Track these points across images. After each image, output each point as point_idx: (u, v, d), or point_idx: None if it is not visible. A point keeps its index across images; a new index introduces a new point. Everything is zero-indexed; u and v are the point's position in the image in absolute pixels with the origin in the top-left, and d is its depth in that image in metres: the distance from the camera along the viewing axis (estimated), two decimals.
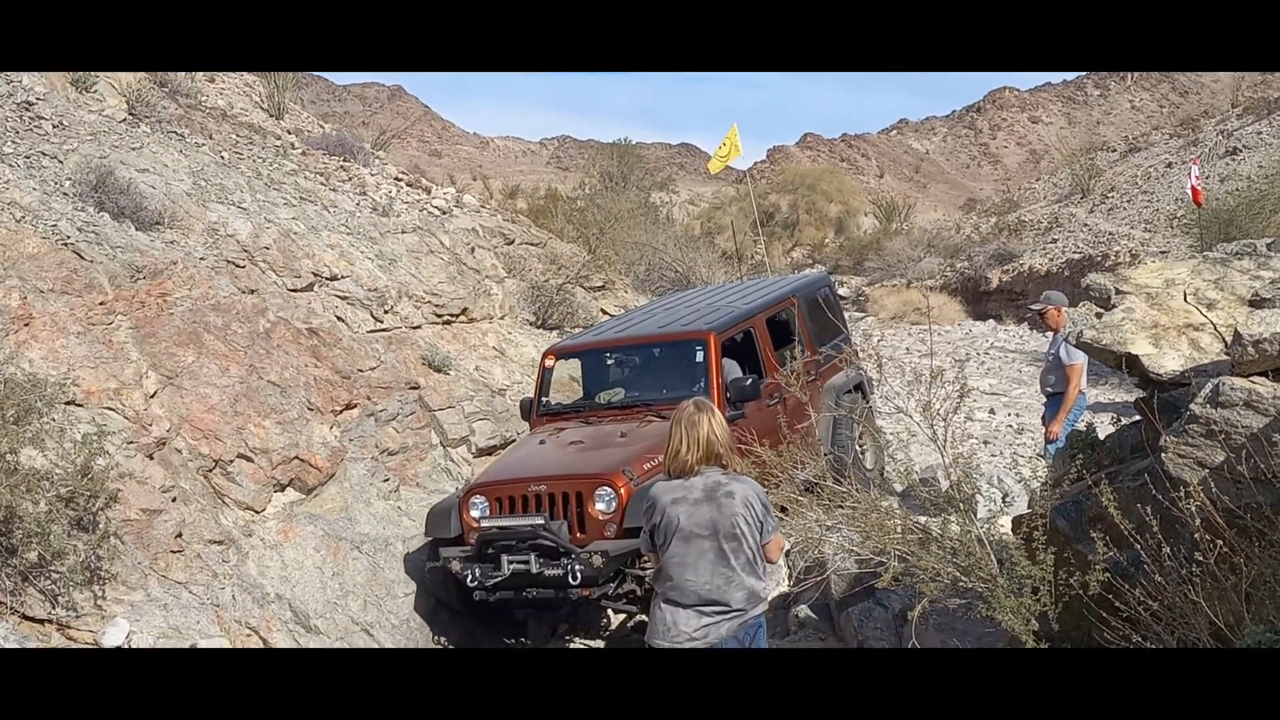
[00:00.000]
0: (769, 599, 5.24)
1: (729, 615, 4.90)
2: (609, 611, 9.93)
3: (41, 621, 7.80)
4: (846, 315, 16.93)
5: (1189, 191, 23.49)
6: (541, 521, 8.69)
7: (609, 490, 8.68)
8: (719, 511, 4.94)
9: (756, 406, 9.67)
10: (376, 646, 9.31)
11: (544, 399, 10.57)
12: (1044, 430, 10.34)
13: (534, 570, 8.62)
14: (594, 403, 10.43)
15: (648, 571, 8.63)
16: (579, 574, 8.43)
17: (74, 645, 7.84)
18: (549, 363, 10.72)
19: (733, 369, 10.07)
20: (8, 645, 7.44)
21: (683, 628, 4.89)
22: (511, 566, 8.69)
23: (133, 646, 7.89)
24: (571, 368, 11.35)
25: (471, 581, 8.78)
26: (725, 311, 10.80)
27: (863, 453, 10.76)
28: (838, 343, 11.42)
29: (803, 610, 8.44)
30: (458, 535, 9.13)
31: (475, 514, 9.07)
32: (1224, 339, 5.18)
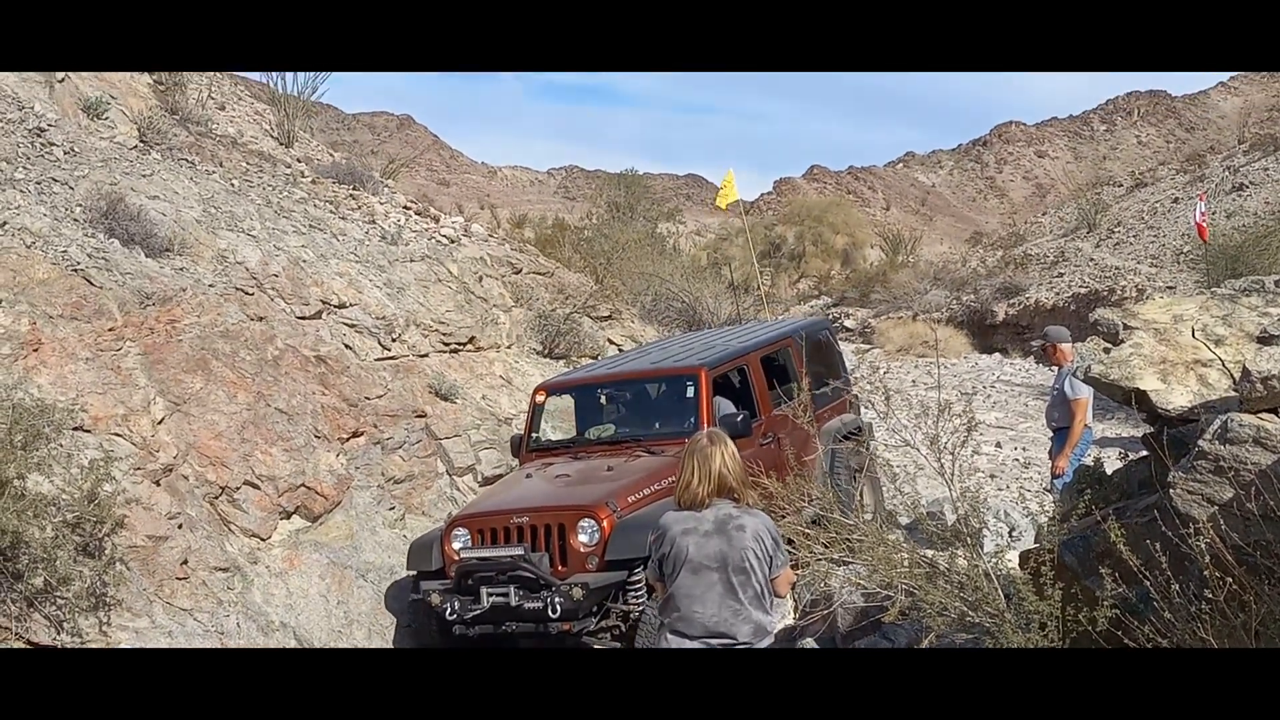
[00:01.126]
0: (774, 633, 5.20)
1: (735, 649, 4.88)
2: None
3: (46, 648, 7.79)
4: (853, 347, 16.95)
5: (1194, 227, 23.53)
6: (521, 552, 8.55)
7: (591, 522, 8.56)
8: (729, 544, 4.92)
9: (748, 444, 9.59)
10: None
11: (534, 435, 10.44)
12: (1050, 465, 10.33)
13: (513, 603, 8.46)
14: (584, 439, 10.33)
15: (632, 607, 8.58)
16: (559, 606, 8.29)
17: None
18: (539, 399, 10.63)
19: (725, 407, 9.95)
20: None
21: None
22: (491, 599, 8.53)
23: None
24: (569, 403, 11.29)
25: (450, 614, 8.61)
26: (720, 349, 10.72)
27: (861, 497, 10.62)
28: (836, 386, 11.33)
29: (809, 643, 8.41)
30: (439, 568, 8.97)
31: (457, 546, 8.92)
32: (1232, 375, 5.19)
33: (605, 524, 8.53)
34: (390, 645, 9.45)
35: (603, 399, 10.79)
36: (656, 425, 10.04)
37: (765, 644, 5.00)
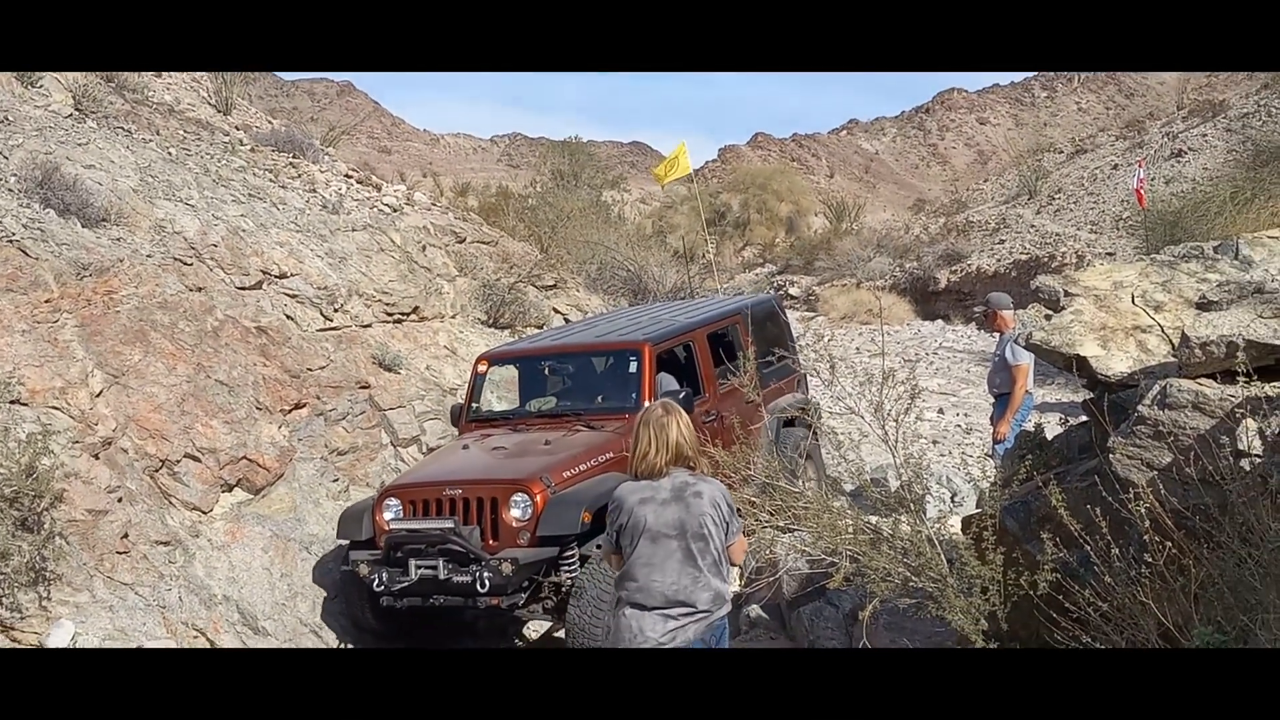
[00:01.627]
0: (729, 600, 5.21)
1: (694, 617, 4.88)
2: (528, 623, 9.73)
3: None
4: (797, 315, 16.99)
5: (1133, 193, 23.76)
6: (451, 525, 8.44)
7: (524, 497, 8.46)
8: (687, 511, 4.93)
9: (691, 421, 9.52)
10: (329, 647, 9.23)
11: (474, 405, 10.32)
12: (992, 431, 10.42)
13: (442, 576, 8.38)
14: (525, 411, 10.23)
15: (563, 579, 8.55)
16: (487, 582, 8.20)
17: (18, 646, 7.74)
18: (481, 368, 10.50)
19: (668, 383, 9.88)
20: None
21: (649, 633, 4.85)
22: (419, 571, 8.44)
23: (80, 647, 7.79)
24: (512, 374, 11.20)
25: (378, 586, 8.52)
26: (665, 324, 10.62)
27: (805, 473, 10.58)
28: (784, 364, 11.30)
29: (754, 610, 8.46)
30: (369, 538, 8.84)
31: (388, 516, 8.80)
32: (1171, 341, 5.24)
33: (538, 499, 8.43)
34: (334, 616, 9.39)
35: (546, 371, 10.69)
36: (598, 399, 9.94)
37: (723, 611, 5.01)
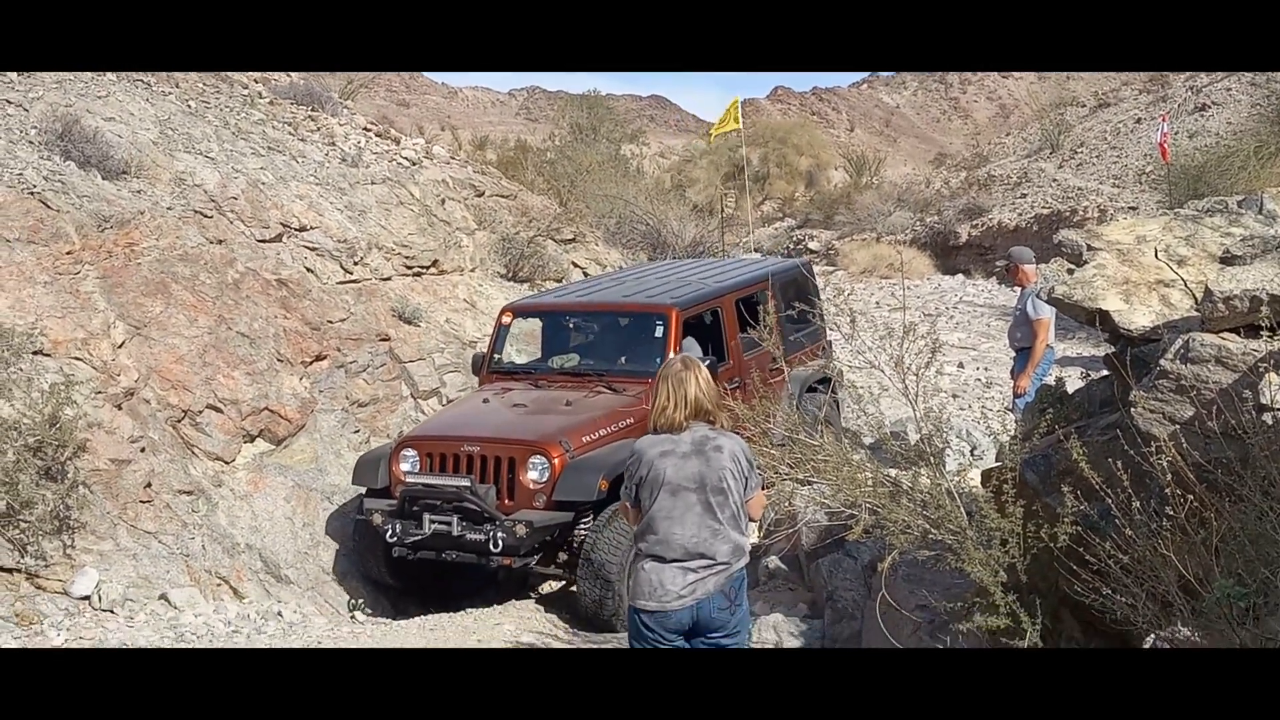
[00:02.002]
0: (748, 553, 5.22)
1: (714, 569, 4.88)
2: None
3: (10, 571, 7.78)
4: (817, 269, 16.92)
5: (1156, 148, 23.55)
6: (468, 484, 8.46)
7: (542, 459, 8.46)
8: (707, 465, 4.92)
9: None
10: (350, 600, 9.30)
11: (496, 356, 10.26)
12: (1012, 384, 10.40)
13: (455, 533, 8.42)
14: (547, 366, 10.14)
15: (578, 538, 8.55)
16: (500, 542, 8.22)
17: (43, 593, 7.83)
18: (506, 320, 10.41)
19: (693, 349, 9.83)
20: None
21: (669, 586, 4.85)
22: (433, 526, 8.47)
23: (104, 603, 7.87)
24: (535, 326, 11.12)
25: (391, 537, 8.56)
26: (694, 288, 10.48)
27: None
28: (811, 332, 11.15)
29: (773, 561, 8.49)
30: (384, 487, 8.89)
31: (405, 467, 8.82)
32: (1195, 295, 5.21)
33: (556, 462, 8.42)
34: (356, 565, 9.45)
35: (570, 326, 10.62)
36: (622, 361, 9.85)
37: (741, 564, 5.01)
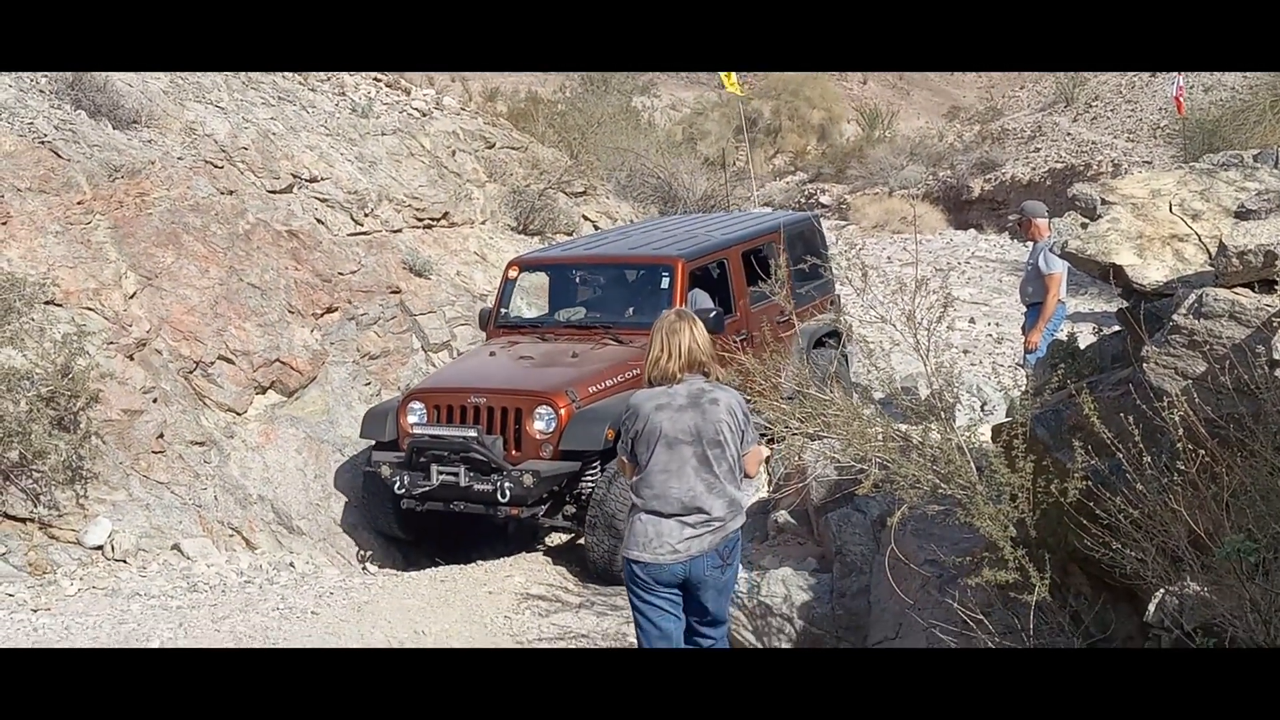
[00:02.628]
0: (746, 509, 5.22)
1: (710, 526, 4.90)
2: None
3: (23, 520, 7.84)
4: (829, 224, 16.86)
5: (1172, 101, 23.39)
6: (475, 434, 8.47)
7: (549, 410, 8.47)
8: (703, 418, 4.92)
9: (719, 341, 9.40)
10: (359, 551, 9.35)
11: (504, 310, 10.22)
12: (1023, 340, 10.38)
13: (463, 483, 8.45)
14: (553, 319, 10.12)
15: (586, 489, 8.56)
16: (508, 492, 8.25)
17: (57, 543, 7.88)
18: (512, 274, 10.37)
19: (701, 300, 9.79)
20: None
21: (666, 539, 4.87)
22: (441, 477, 8.50)
23: (117, 553, 7.92)
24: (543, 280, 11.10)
25: (399, 489, 8.59)
26: (701, 240, 10.43)
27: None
28: (820, 285, 11.11)
29: (782, 516, 8.50)
30: (393, 439, 8.90)
31: (412, 419, 8.84)
32: (1209, 250, 5.18)
33: (563, 412, 8.44)
34: (368, 517, 9.48)
35: (577, 279, 10.61)
36: (628, 313, 9.82)
37: (737, 523, 5.03)
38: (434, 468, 8.53)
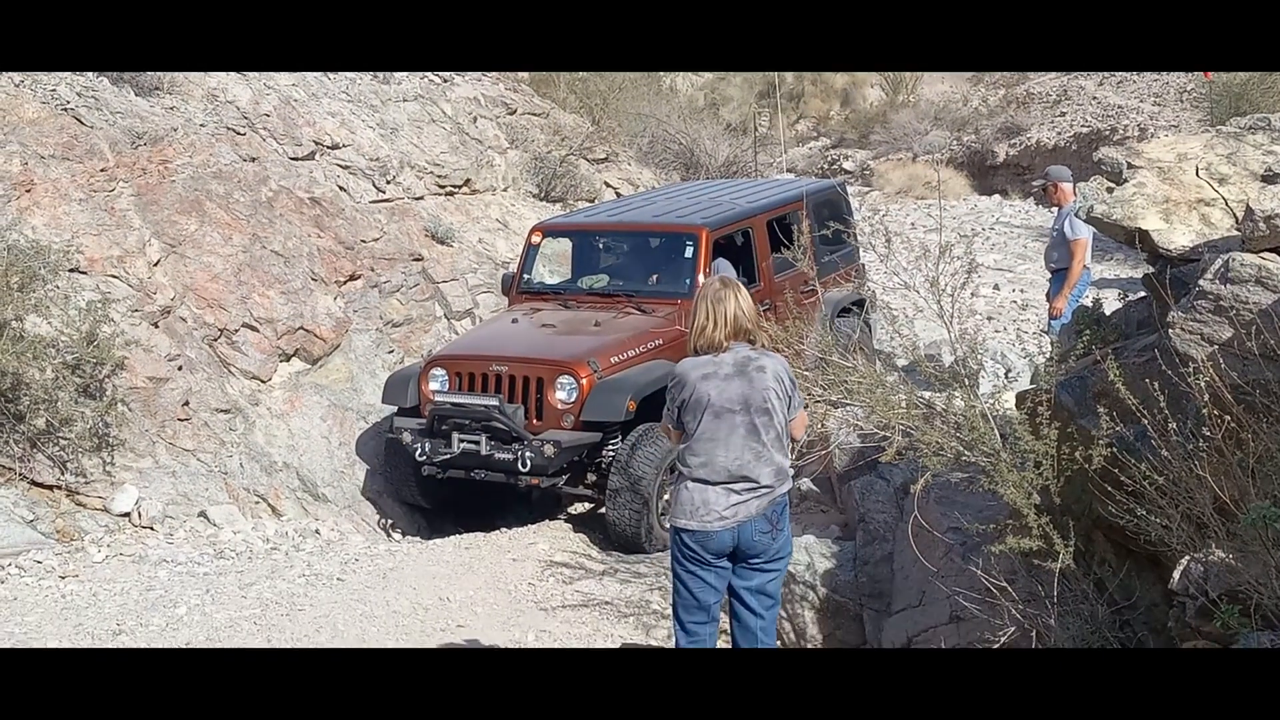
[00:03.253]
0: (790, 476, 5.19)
1: (757, 493, 4.85)
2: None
3: (50, 487, 7.90)
4: (852, 190, 16.76)
5: None
6: (496, 403, 8.46)
7: (570, 379, 8.45)
8: (750, 386, 4.87)
9: None
10: (380, 519, 9.37)
11: (526, 276, 10.18)
12: (1048, 306, 10.32)
13: (484, 452, 8.44)
14: (576, 286, 10.07)
15: (606, 458, 8.52)
16: (529, 461, 8.24)
17: (84, 510, 7.94)
18: (535, 239, 10.31)
19: (727, 268, 9.71)
20: (17, 511, 7.54)
21: (714, 506, 4.82)
22: (462, 445, 8.50)
23: (143, 519, 7.98)
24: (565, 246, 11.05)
25: (420, 455, 8.59)
26: (725, 208, 10.33)
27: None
28: (845, 253, 11.02)
29: (805, 483, 8.51)
30: (414, 406, 8.89)
31: (434, 386, 8.82)
32: (1235, 215, 5.14)
33: (584, 382, 8.43)
34: (392, 485, 9.51)
35: (600, 246, 10.56)
36: (651, 281, 9.79)
37: (785, 488, 4.97)
38: (455, 435, 8.53)
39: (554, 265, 11.25)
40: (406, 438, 8.67)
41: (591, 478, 8.70)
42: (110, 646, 6.21)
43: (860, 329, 9.78)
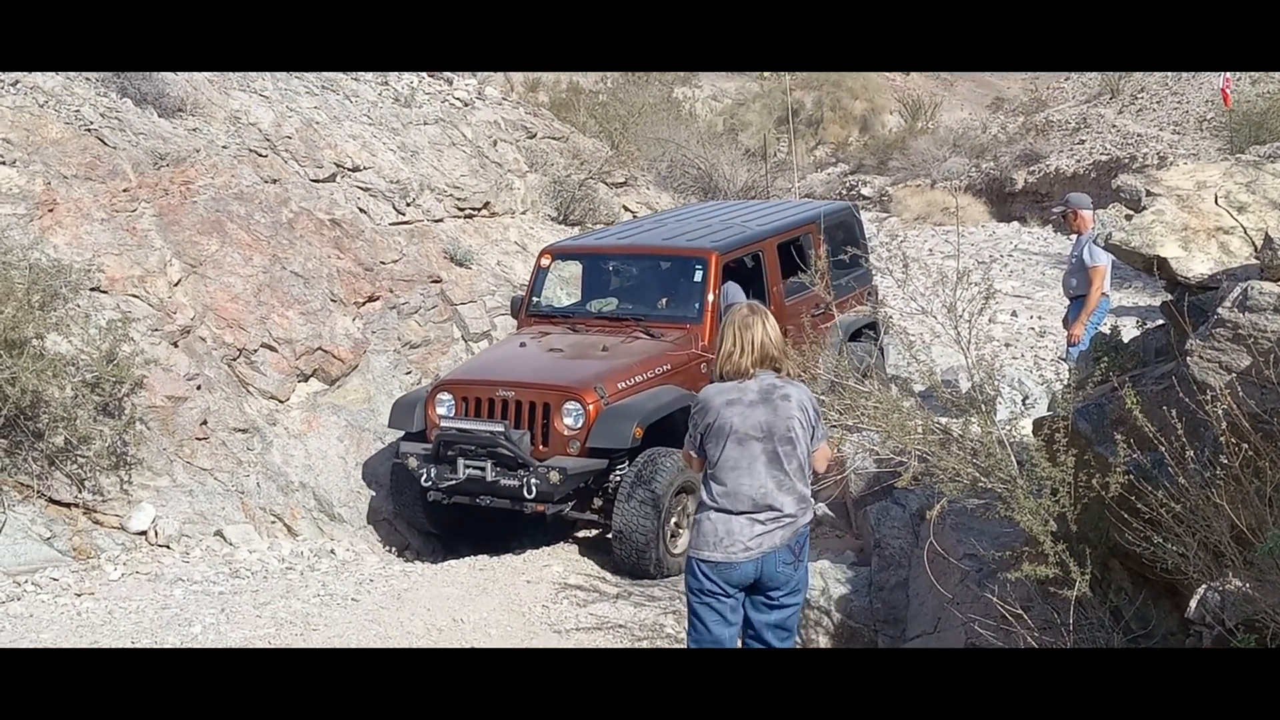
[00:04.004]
0: (813, 506, 5.15)
1: (780, 522, 4.82)
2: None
3: (68, 505, 7.92)
4: (870, 215, 16.76)
5: (1219, 93, 23.15)
6: (501, 429, 8.36)
7: (577, 405, 8.35)
8: (774, 414, 4.84)
9: None
10: (389, 548, 9.36)
11: (535, 299, 10.05)
12: (1066, 333, 10.29)
13: (489, 478, 8.35)
14: (585, 310, 9.98)
15: (613, 483, 8.42)
16: (534, 488, 8.16)
17: (101, 528, 7.97)
18: (545, 262, 10.19)
19: (736, 293, 9.55)
20: (35, 528, 7.57)
21: (738, 536, 4.78)
22: (467, 471, 8.41)
23: (160, 538, 8.00)
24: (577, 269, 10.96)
25: (426, 481, 8.51)
26: (736, 231, 10.21)
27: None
28: (857, 276, 10.85)
29: (820, 508, 8.48)
30: (421, 430, 8.82)
31: (441, 411, 8.74)
32: (1254, 243, 5.14)
33: (591, 409, 8.34)
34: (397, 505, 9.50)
35: (610, 269, 10.48)
36: (661, 305, 9.70)
37: (807, 518, 4.91)
38: (461, 461, 8.45)
39: (571, 288, 11.24)
40: (412, 463, 8.60)
41: (598, 502, 8.64)
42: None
43: (874, 352, 9.71)
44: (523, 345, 9.44)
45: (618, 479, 8.43)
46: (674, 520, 8.31)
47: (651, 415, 8.33)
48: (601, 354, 9.02)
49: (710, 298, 9.25)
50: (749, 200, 17.09)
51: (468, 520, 9.18)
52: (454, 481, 8.48)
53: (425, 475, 8.52)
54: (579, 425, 8.37)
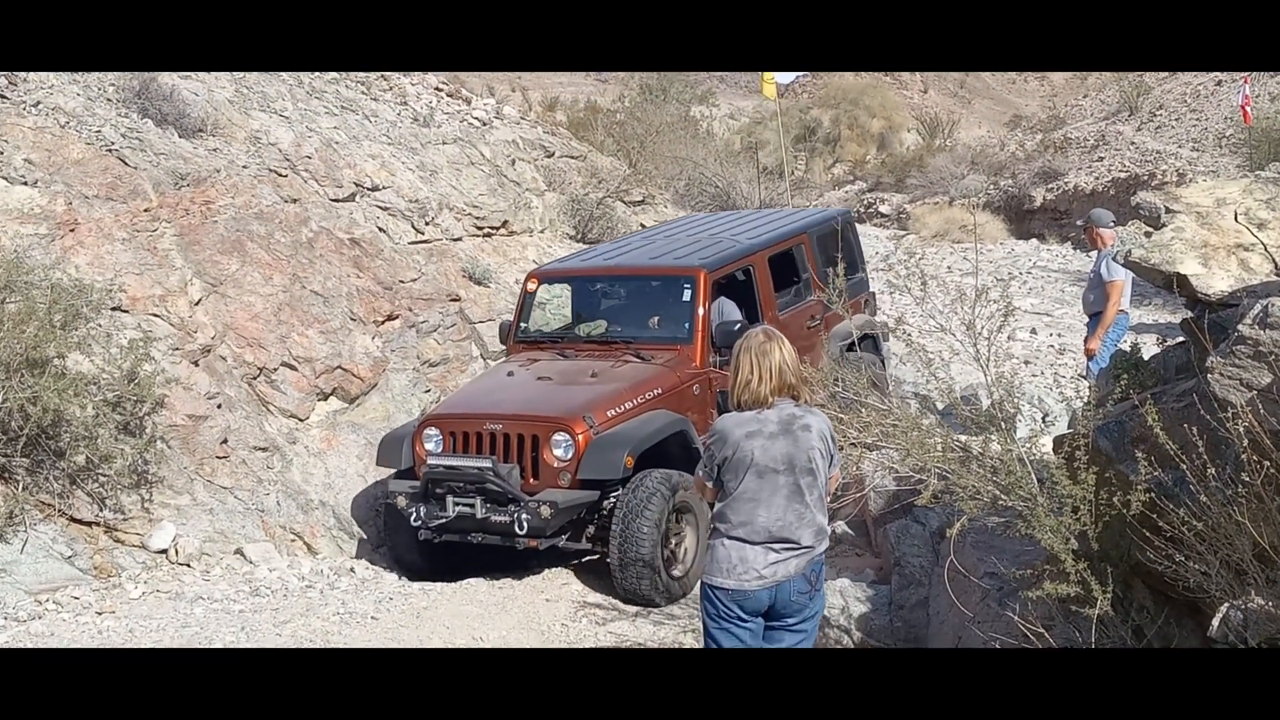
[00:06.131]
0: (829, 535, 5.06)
1: (797, 553, 4.72)
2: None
3: (89, 524, 7.96)
4: (888, 233, 16.72)
5: (1238, 110, 23.12)
6: (490, 465, 8.13)
7: (566, 437, 8.12)
8: (795, 445, 4.71)
9: None
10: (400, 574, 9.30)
11: (523, 325, 9.85)
12: (1084, 348, 10.26)
13: (480, 515, 8.14)
14: (574, 334, 9.80)
15: (607, 509, 8.20)
16: (525, 524, 7.96)
17: (122, 546, 7.99)
18: (531, 286, 9.96)
19: (729, 310, 9.50)
20: (56, 547, 7.60)
21: (752, 564, 4.68)
22: (457, 509, 8.21)
23: (180, 556, 8.02)
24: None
25: (415, 520, 8.30)
26: (725, 246, 9.97)
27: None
28: (853, 285, 10.27)
29: (840, 526, 8.47)
30: (409, 468, 8.61)
31: (429, 447, 8.51)
32: (1274, 260, 5.12)
33: (580, 439, 8.11)
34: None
35: (598, 291, 10.21)
36: (651, 325, 9.46)
37: (824, 548, 4.79)
38: (450, 499, 8.27)
39: (568, 310, 11.11)
40: (401, 502, 8.41)
41: (591, 530, 8.44)
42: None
43: (873, 364, 9.49)
44: (510, 374, 9.20)
45: (610, 507, 8.24)
46: (673, 543, 8.18)
47: (642, 444, 8.17)
48: (590, 380, 8.81)
49: (700, 315, 9.08)
50: (740, 210, 16.92)
51: (461, 557, 8.85)
52: (444, 520, 8.28)
53: (415, 514, 8.33)
54: (569, 457, 8.15)
